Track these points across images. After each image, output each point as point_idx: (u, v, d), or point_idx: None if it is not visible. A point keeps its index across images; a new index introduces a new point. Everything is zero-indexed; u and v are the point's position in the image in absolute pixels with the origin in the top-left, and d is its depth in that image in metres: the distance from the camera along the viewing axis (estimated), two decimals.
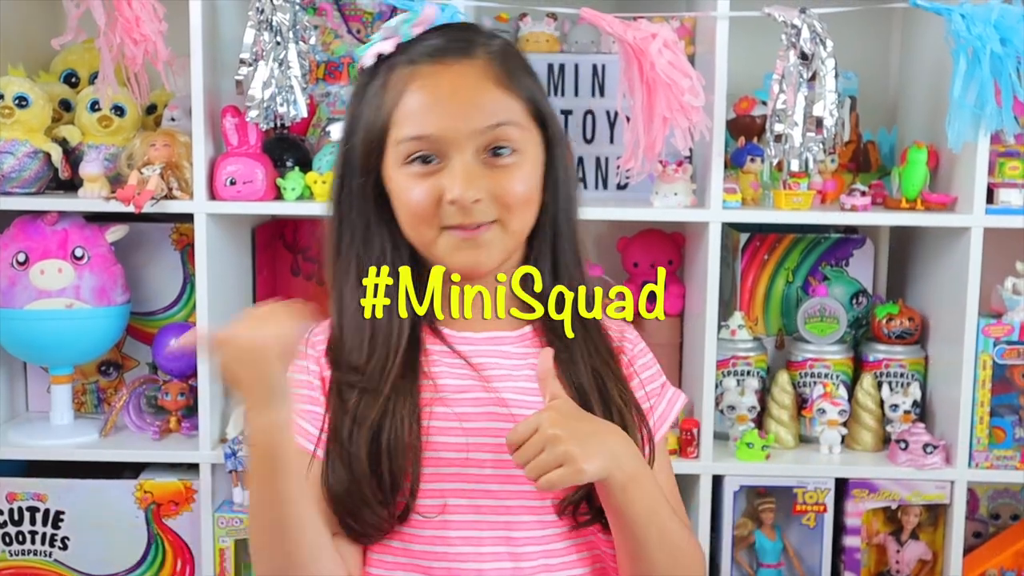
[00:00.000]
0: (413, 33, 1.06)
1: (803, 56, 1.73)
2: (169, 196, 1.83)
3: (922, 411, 1.95)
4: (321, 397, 1.06)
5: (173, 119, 1.98)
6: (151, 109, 2.04)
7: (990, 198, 1.83)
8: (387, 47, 1.05)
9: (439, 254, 1.05)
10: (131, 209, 1.78)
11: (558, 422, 0.95)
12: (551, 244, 1.09)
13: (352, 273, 1.06)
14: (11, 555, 1.90)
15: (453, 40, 1.05)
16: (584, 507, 1.06)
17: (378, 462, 1.01)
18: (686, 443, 1.87)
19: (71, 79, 2.06)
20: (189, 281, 2.02)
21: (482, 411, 1.03)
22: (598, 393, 1.06)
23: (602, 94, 2.00)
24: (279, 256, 2.20)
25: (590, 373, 1.07)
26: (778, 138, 1.76)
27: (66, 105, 2.00)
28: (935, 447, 1.85)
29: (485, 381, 1.06)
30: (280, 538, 0.96)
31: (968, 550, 1.93)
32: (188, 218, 1.85)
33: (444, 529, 1.04)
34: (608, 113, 2.01)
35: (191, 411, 1.93)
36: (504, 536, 1.05)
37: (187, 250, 2.01)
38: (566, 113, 1.99)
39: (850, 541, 1.89)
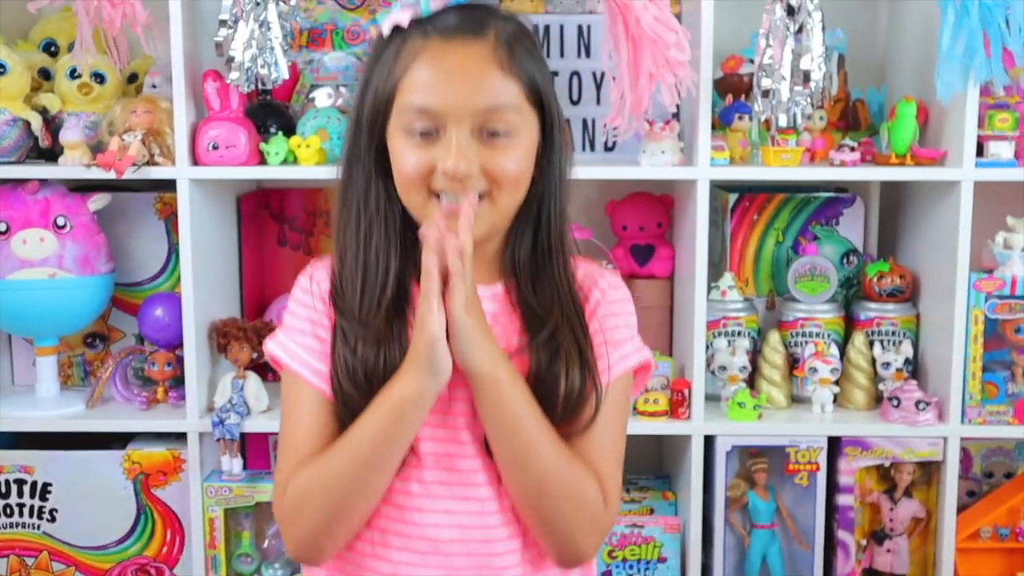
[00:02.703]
0: (433, 8, 1.10)
1: (790, 10, 1.72)
2: (151, 162, 1.81)
3: (914, 368, 1.94)
4: (327, 336, 1.12)
5: (154, 86, 1.95)
6: (132, 78, 2.02)
7: (980, 152, 1.81)
8: (404, 19, 1.10)
9: (427, 220, 1.08)
10: (112, 175, 1.76)
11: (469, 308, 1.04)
12: (535, 218, 1.14)
13: (352, 224, 1.12)
14: None
15: (467, 20, 1.10)
16: None
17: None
18: (677, 404, 1.86)
19: (50, 48, 2.04)
20: (174, 251, 2.00)
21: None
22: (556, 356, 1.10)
23: (588, 55, 1.99)
24: (265, 227, 2.17)
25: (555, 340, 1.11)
26: (765, 93, 1.75)
27: (45, 75, 1.97)
28: (928, 404, 1.84)
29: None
30: (363, 487, 1.06)
31: (962, 509, 1.92)
32: (172, 187, 1.83)
33: (420, 470, 1.10)
34: (594, 74, 1.99)
35: (178, 381, 1.91)
36: (467, 478, 1.11)
37: (171, 220, 1.98)
38: (552, 75, 1.96)
39: (843, 500, 1.88)
